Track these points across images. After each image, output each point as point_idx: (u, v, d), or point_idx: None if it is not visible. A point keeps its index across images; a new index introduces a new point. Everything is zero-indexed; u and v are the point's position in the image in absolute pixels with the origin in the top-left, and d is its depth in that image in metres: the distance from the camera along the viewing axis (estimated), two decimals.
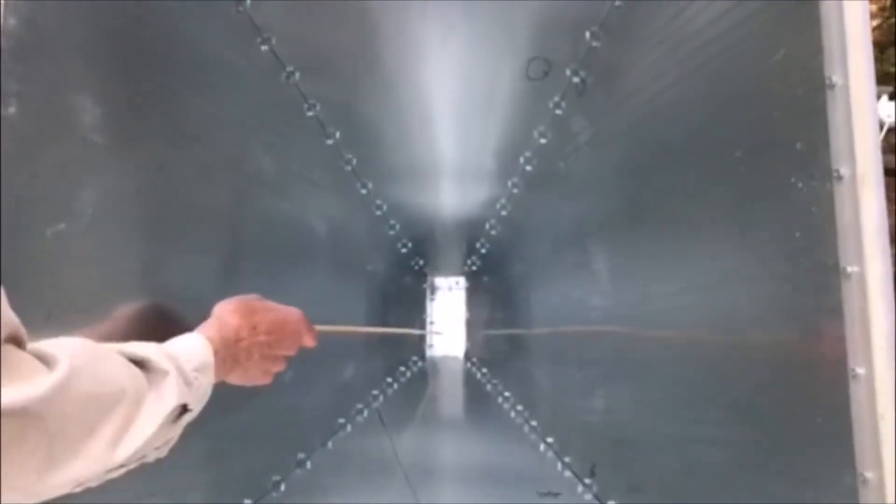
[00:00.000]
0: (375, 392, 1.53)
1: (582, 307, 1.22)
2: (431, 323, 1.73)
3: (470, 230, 1.63)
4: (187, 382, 0.70)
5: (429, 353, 1.70)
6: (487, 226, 1.59)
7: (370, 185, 1.50)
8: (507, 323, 1.62)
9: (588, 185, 1.20)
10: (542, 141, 1.33)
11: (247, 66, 1.16)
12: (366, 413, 1.44)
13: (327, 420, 1.35)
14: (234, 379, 0.83)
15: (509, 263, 1.61)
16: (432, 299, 1.74)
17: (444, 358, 1.69)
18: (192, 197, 1.04)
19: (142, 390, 0.64)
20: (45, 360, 0.56)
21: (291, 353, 0.90)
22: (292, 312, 0.91)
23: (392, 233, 1.62)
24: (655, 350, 1.03)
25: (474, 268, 1.70)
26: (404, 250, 1.67)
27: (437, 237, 1.69)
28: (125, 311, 0.91)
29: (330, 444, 1.32)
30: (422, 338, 1.71)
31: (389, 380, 1.58)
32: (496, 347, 1.64)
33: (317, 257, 1.37)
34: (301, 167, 1.32)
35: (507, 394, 1.49)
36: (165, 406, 0.66)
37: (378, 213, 1.56)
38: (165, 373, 0.68)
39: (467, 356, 1.68)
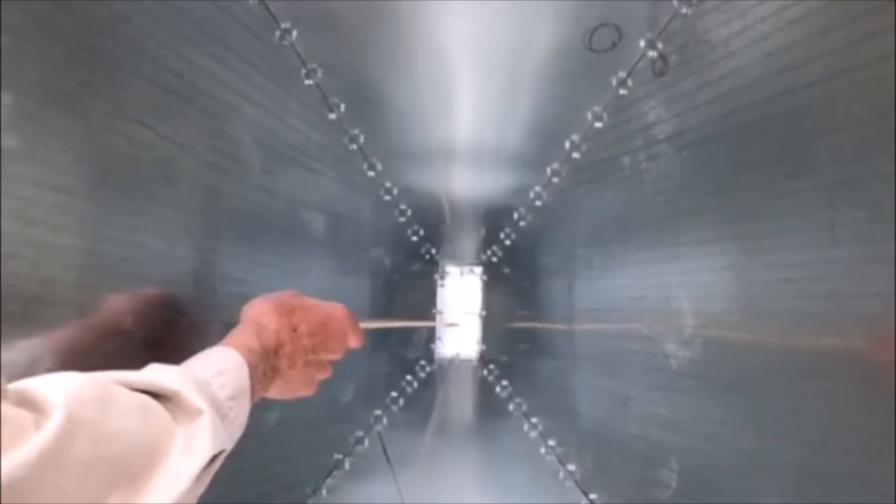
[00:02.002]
0: (378, 412, 1.31)
1: (641, 313, 1.00)
2: (440, 312, 1.49)
3: (494, 219, 1.41)
4: (222, 415, 0.57)
5: (437, 353, 1.46)
6: (516, 215, 1.36)
7: (379, 167, 1.26)
8: (532, 322, 1.39)
9: (664, 188, 0.96)
10: (598, 125, 1.09)
11: (231, 23, 0.90)
12: (367, 442, 1.22)
13: (321, 459, 1.12)
14: (274, 392, 0.73)
15: (539, 258, 1.38)
16: (443, 286, 1.50)
17: (456, 361, 1.46)
18: (161, 189, 0.79)
19: (163, 441, 0.50)
20: (34, 407, 0.43)
21: (338, 356, 0.81)
22: (335, 309, 0.81)
23: (402, 219, 1.39)
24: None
25: (494, 259, 1.46)
26: (415, 238, 1.43)
27: (454, 225, 1.46)
28: (119, 300, 0.71)
29: (324, 490, 1.09)
30: (431, 334, 1.48)
31: (394, 394, 1.36)
32: (519, 352, 1.41)
33: (315, 248, 1.15)
34: (298, 145, 1.08)
35: (534, 420, 1.27)
36: (197, 459, 0.51)
37: (387, 197, 1.33)
38: (198, 412, 0.54)
39: (483, 359, 1.45)
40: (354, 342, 0.83)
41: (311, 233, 1.12)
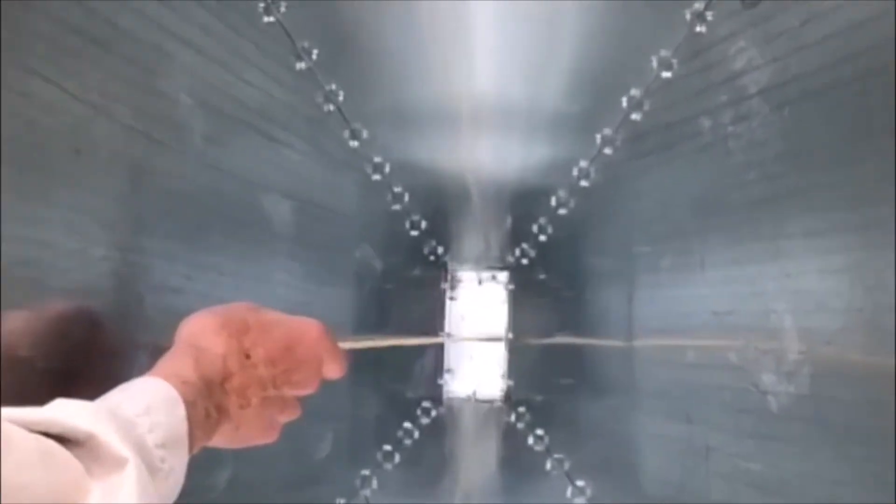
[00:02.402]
0: (365, 472, 1.33)
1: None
2: (449, 335, 1.50)
3: (525, 205, 1.43)
4: (152, 468, 0.57)
5: (447, 391, 1.47)
6: (554, 201, 1.38)
7: (364, 134, 1.30)
8: (577, 347, 1.41)
9: (758, 161, 0.98)
10: (666, 75, 1.13)
11: None
12: None
13: None
14: (221, 440, 0.73)
15: (585, 259, 1.41)
16: (453, 298, 1.50)
17: (473, 401, 1.47)
18: (70, 166, 0.81)
19: (72, 499, 0.49)
20: None
21: (309, 390, 0.82)
22: (307, 326, 0.82)
23: (398, 206, 1.41)
24: None
25: (524, 260, 1.47)
26: (415, 232, 1.45)
27: (470, 215, 1.48)
28: (14, 318, 0.72)
29: None
30: (438, 364, 1.48)
31: (388, 447, 1.38)
32: (559, 389, 1.43)
33: (280, 246, 1.19)
34: (255, 106, 1.11)
35: (580, 483, 1.29)
36: None
37: (376, 176, 1.36)
38: (121, 462, 0.53)
39: (510, 399, 1.45)
40: (332, 371, 0.83)
41: (273, 225, 1.14)
